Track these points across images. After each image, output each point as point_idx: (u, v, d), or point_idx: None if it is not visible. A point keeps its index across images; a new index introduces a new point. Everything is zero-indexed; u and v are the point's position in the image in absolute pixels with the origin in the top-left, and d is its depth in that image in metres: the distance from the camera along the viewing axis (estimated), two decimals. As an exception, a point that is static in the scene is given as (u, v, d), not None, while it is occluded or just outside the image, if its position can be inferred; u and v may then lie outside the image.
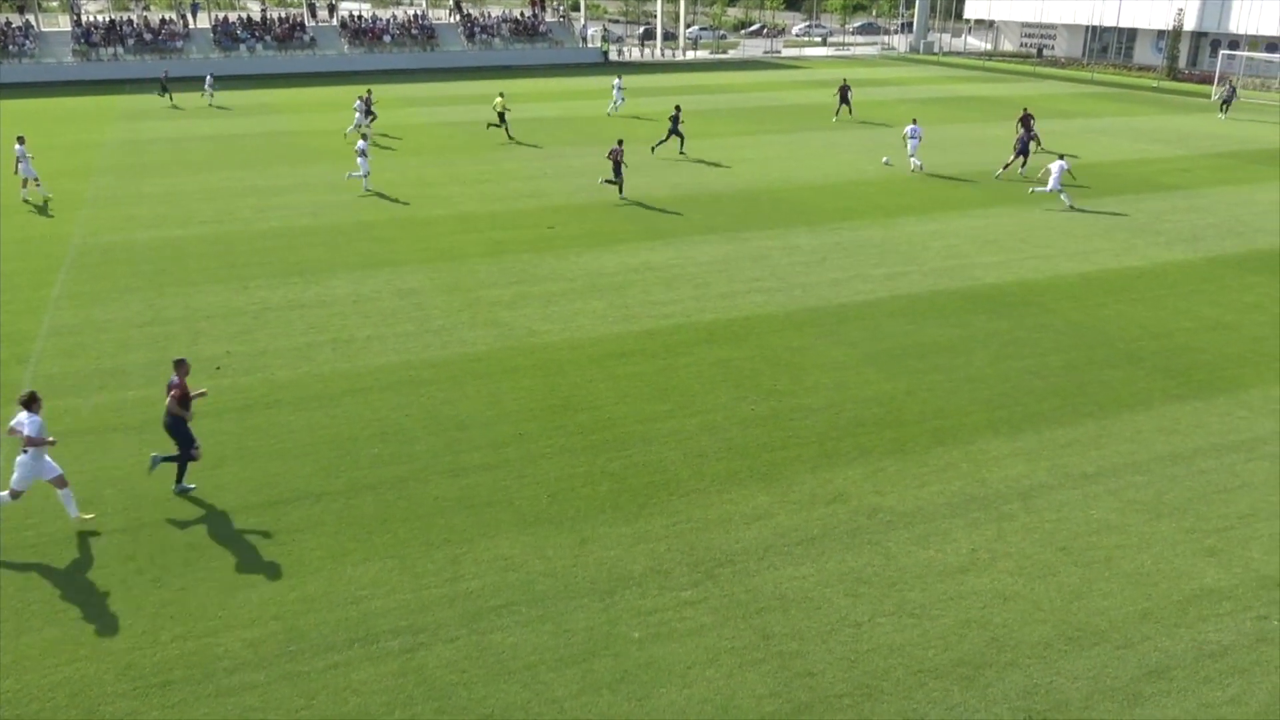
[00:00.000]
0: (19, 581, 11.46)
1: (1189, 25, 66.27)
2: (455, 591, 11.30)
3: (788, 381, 16.97)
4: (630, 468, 14.07)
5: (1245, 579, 11.56)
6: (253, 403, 16.15)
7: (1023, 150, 33.45)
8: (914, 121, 35.91)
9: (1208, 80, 60.93)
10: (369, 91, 45.23)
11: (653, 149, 37.88)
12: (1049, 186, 29.47)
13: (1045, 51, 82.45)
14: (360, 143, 31.61)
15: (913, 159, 34.71)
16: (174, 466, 13.39)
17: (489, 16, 79.60)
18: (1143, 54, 73.19)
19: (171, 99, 53.07)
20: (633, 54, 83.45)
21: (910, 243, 25.71)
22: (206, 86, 54.20)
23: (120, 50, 66.21)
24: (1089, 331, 19.42)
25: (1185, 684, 9.87)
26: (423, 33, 73.80)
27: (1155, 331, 19.43)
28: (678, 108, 38.39)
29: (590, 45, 79.10)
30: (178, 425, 13.03)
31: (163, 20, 70.95)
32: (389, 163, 36.31)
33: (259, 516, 12.82)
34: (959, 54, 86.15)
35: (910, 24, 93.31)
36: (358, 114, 41.76)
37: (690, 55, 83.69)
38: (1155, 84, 63.34)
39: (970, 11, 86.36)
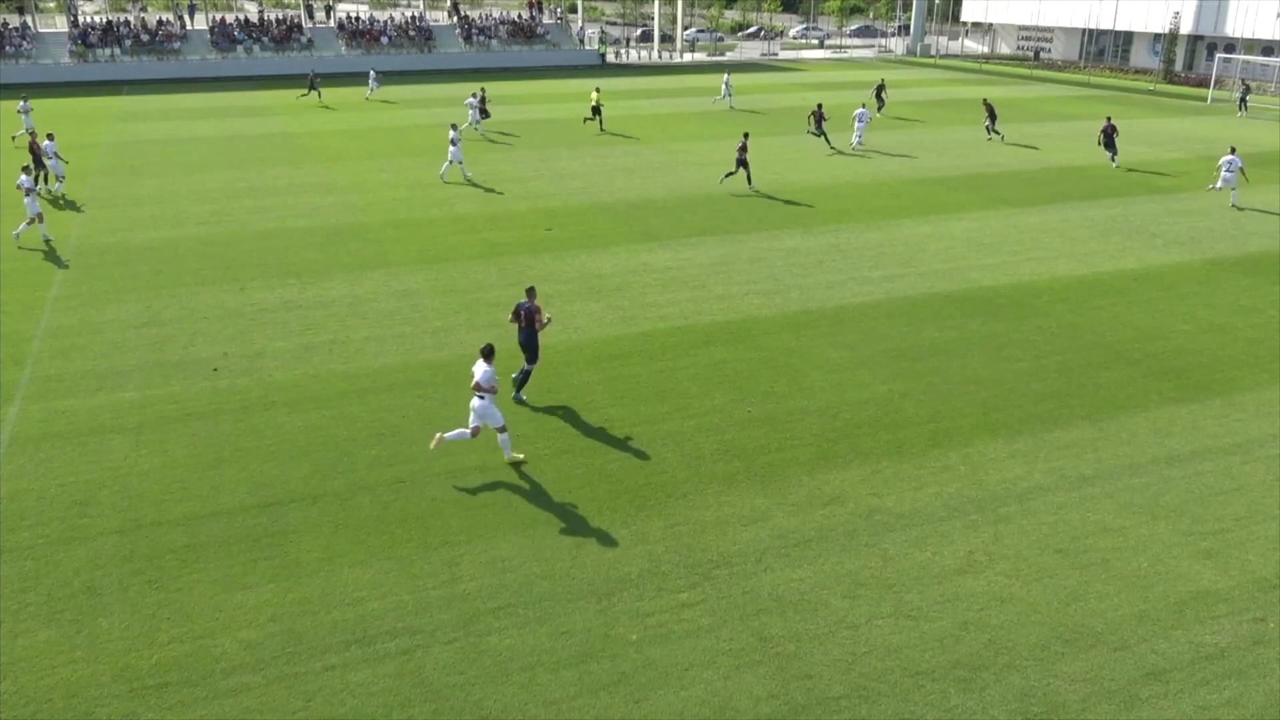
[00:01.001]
0: (15, 583, 11.44)
1: (1185, 28, 66.46)
2: (452, 593, 11.30)
3: (785, 383, 16.99)
4: (627, 469, 14.07)
5: (1242, 581, 11.58)
6: (250, 404, 16.13)
7: (1108, 144, 36.23)
8: (863, 105, 41.71)
9: (1204, 83, 61.08)
10: (483, 89, 45.95)
11: (830, 147, 39.46)
12: (1219, 184, 30.34)
13: (1042, 54, 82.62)
14: (451, 132, 32.90)
15: (856, 138, 39.68)
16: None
17: (487, 18, 79.65)
18: (1139, 57, 73.37)
19: (303, 96, 54.16)
20: (630, 56, 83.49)
21: (907, 245, 25.74)
22: (371, 82, 55.55)
23: (117, 51, 66.14)
24: (1085, 334, 19.45)
25: (1182, 686, 9.88)
26: (420, 34, 73.79)
27: (1151, 334, 19.47)
28: (820, 105, 40.61)
29: (588, 47, 79.14)
30: (533, 339, 15.85)
31: (160, 21, 70.88)
32: (403, 163, 36.32)
33: (256, 518, 12.81)
34: (956, 56, 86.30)
35: (907, 27, 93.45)
36: (471, 111, 42.58)
37: (688, 58, 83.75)
38: (1152, 86, 63.49)
39: (967, 14, 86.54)
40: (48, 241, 25.46)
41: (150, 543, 12.24)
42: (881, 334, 19.37)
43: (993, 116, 42.16)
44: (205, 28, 71.09)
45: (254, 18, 74.19)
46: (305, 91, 54.42)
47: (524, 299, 16.02)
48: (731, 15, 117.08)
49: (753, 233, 26.80)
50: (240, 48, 68.99)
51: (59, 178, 31.00)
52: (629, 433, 15.16)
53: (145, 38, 67.50)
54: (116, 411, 15.82)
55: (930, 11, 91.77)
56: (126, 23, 69.87)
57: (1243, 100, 50.90)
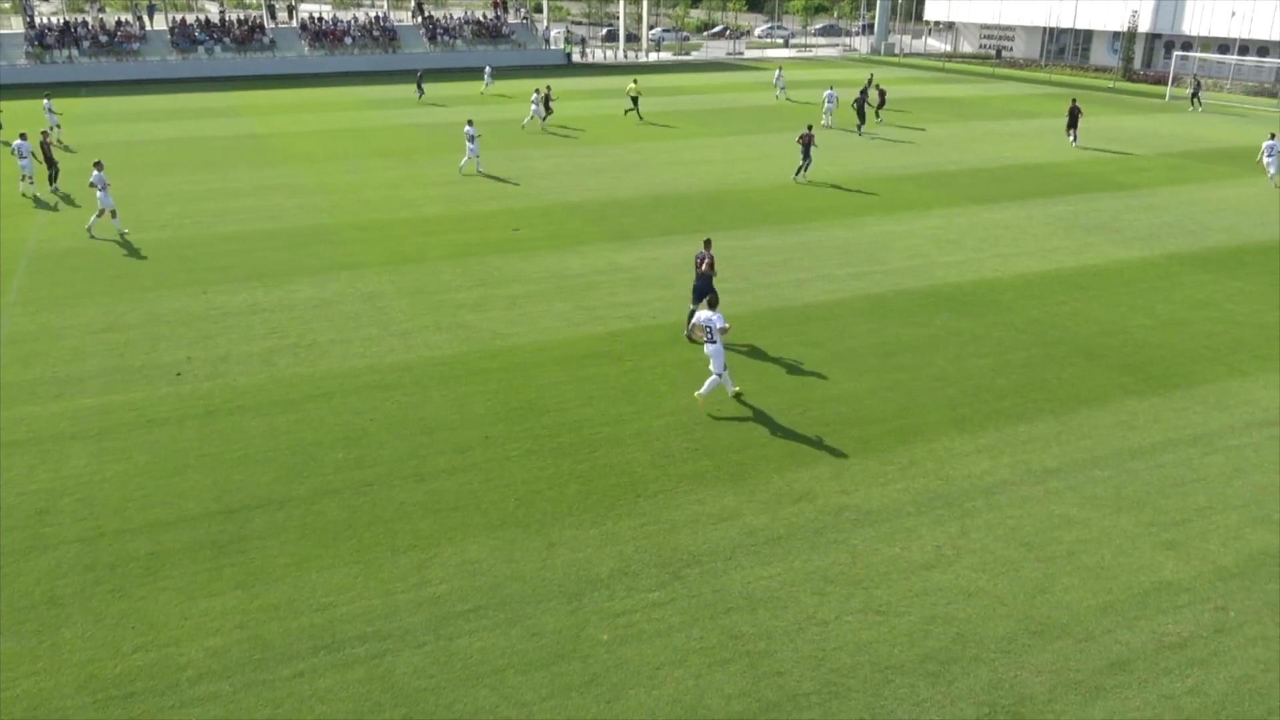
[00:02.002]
0: (-26, 594, 11.24)
1: (1143, 27, 67.40)
2: (422, 596, 11.23)
3: (753, 382, 17.04)
4: (597, 470, 14.06)
5: (1203, 571, 11.77)
6: (214, 409, 15.95)
7: (1072, 123, 40.47)
8: (830, 88, 47.00)
9: (1162, 81, 62.00)
10: (548, 86, 46.86)
11: (860, 132, 43.51)
12: (1272, 171, 33.08)
13: (1004, 53, 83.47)
14: (468, 128, 33.97)
15: (826, 117, 44.76)
16: None
17: (451, 18, 79.23)
18: (1099, 55, 74.33)
19: (421, 94, 54.76)
20: (596, 55, 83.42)
21: (873, 243, 25.91)
22: (486, 77, 58.69)
23: (75, 53, 65.15)
24: (1048, 329, 19.68)
25: (1146, 676, 10.03)
26: (384, 34, 73.29)
27: (1112, 328, 19.73)
28: (863, 91, 45.81)
29: (553, 47, 78.98)
30: (708, 284, 17.97)
31: (119, 22, 69.93)
32: (369, 164, 36.06)
33: (221, 524, 12.67)
34: (919, 55, 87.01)
35: (871, 26, 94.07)
36: (534, 106, 43.65)
37: (653, 57, 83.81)
38: (1111, 84, 64.34)
39: (930, 13, 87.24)
40: (113, 232, 26.36)
41: (113, 551, 12.07)
42: (849, 331, 19.49)
43: (882, 102, 47.65)
44: (165, 28, 70.15)
45: (215, 18, 73.33)
46: (418, 92, 54.85)
47: (701, 249, 18.48)
48: (697, 14, 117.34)
49: (721, 231, 26.84)
50: (201, 48, 68.19)
51: (28, 178, 30.69)
52: (598, 433, 15.15)
53: (104, 38, 66.54)
54: (77, 418, 15.59)
55: (894, 10, 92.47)
56: (84, 23, 68.82)
57: (1194, 97, 52.42)
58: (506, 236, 26.40)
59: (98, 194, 25.80)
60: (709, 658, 10.26)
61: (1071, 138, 40.72)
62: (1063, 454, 14.58)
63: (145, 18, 72.01)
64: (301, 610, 10.98)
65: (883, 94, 48.37)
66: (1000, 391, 16.74)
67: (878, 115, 47.15)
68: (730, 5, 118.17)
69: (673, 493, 13.45)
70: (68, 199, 30.76)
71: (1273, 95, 57.57)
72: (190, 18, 73.91)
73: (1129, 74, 66.89)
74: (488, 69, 60.39)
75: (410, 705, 9.60)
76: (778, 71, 57.88)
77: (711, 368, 15.60)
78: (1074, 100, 42.20)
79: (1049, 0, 73.14)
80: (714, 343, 15.42)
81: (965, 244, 25.86)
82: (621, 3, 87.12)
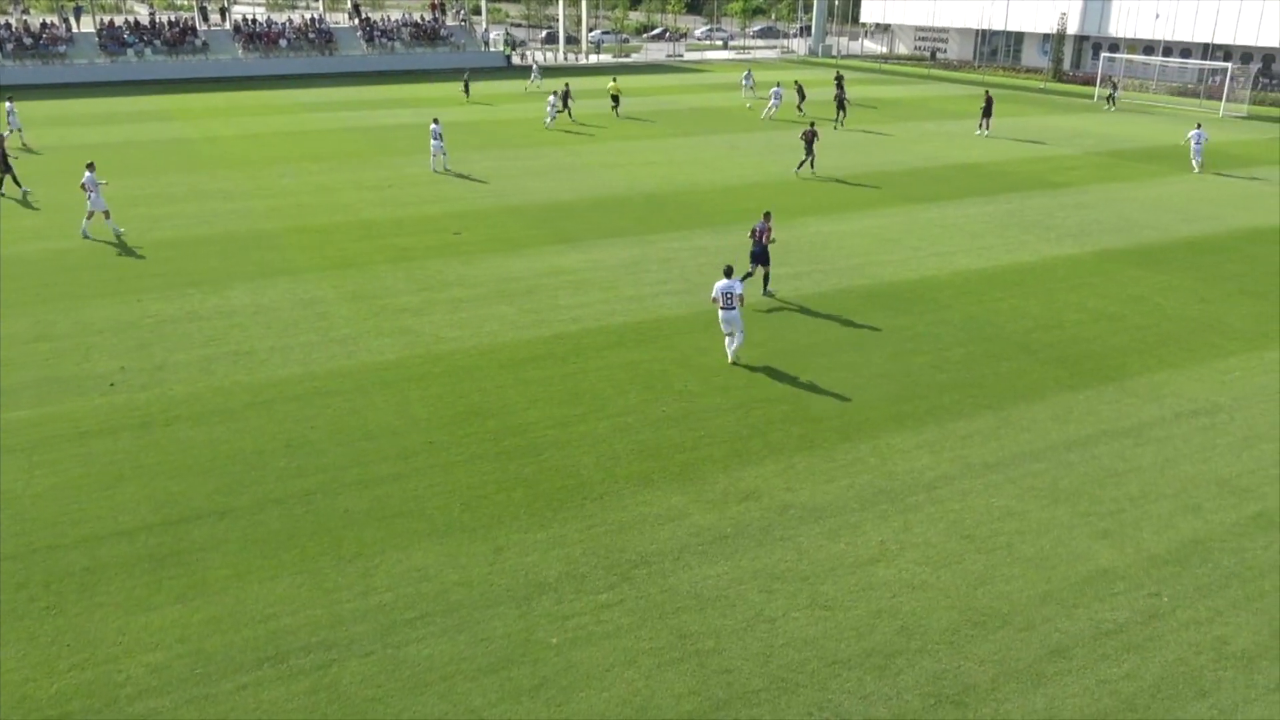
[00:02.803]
0: (-101, 615, 10.87)
1: (1072, 29, 69.06)
2: (368, 605, 11.11)
3: (697, 382, 17.13)
4: (543, 473, 14.02)
5: (1137, 559, 12.09)
6: (150, 419, 15.60)
7: (986, 112, 43.75)
8: (778, 84, 50.42)
9: (1091, 81, 63.54)
10: (566, 85, 48.98)
11: (836, 126, 45.78)
12: (1197, 160, 36.06)
13: (938, 54, 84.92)
14: (433, 126, 34.67)
15: (772, 108, 48.38)
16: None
17: (389, 20, 78.40)
18: (1030, 56, 76.00)
19: (468, 94, 55.57)
20: (535, 58, 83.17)
21: (812, 243, 26.19)
22: (532, 76, 61.30)
23: (-3, 55, 63.30)
24: (986, 325, 20.06)
25: (1084, 662, 10.27)
26: (320, 37, 72.31)
27: (1048, 324, 20.17)
28: (839, 88, 47.52)
29: (492, 49, 78.58)
30: (765, 252, 20.83)
31: (44, 24, 68.04)
32: (306, 168, 35.51)
33: (160, 536, 12.39)
34: (856, 57, 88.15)
35: (809, 28, 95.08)
36: (551, 109, 45.05)
37: (593, 59, 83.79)
38: (1042, 85, 65.83)
39: (866, 15, 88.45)
40: (109, 233, 26.42)
41: (46, 567, 11.75)
42: (790, 330, 19.67)
43: (801, 96, 50.60)
44: (93, 30, 68.37)
45: (145, 20, 71.68)
46: (465, 90, 55.60)
47: (760, 220, 20.84)
48: (636, 16, 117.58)
49: (663, 233, 26.95)
50: (131, 51, 66.60)
51: None
52: (543, 436, 15.11)
53: (28, 41, 64.70)
54: (7, 432, 15.14)
55: (831, 13, 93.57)
56: (7, 25, 66.82)
57: (1110, 98, 55.12)
58: (447, 240, 26.20)
59: (89, 196, 25.67)
60: (658, 658, 10.30)
61: (982, 128, 43.95)
62: (1001, 448, 14.88)
63: (72, 19, 70.12)
64: (244, 622, 10.79)
65: (801, 92, 51.01)
66: (940, 387, 17.03)
67: (799, 109, 49.53)
68: (670, 8, 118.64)
69: (619, 494, 13.46)
70: (25, 203, 29.96)
71: (1196, 96, 59.32)
72: (119, 19, 72.16)
73: (1059, 75, 68.50)
74: (535, 67, 62.15)
75: (357, 715, 9.48)
76: (746, 72, 58.04)
77: (725, 329, 17.38)
78: (987, 92, 45.48)
79: (981, 2, 74.61)
80: (731, 309, 16.92)
81: (904, 243, 26.25)
82: (561, 5, 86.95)
